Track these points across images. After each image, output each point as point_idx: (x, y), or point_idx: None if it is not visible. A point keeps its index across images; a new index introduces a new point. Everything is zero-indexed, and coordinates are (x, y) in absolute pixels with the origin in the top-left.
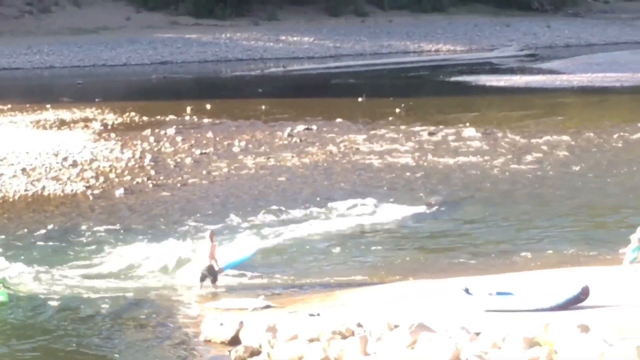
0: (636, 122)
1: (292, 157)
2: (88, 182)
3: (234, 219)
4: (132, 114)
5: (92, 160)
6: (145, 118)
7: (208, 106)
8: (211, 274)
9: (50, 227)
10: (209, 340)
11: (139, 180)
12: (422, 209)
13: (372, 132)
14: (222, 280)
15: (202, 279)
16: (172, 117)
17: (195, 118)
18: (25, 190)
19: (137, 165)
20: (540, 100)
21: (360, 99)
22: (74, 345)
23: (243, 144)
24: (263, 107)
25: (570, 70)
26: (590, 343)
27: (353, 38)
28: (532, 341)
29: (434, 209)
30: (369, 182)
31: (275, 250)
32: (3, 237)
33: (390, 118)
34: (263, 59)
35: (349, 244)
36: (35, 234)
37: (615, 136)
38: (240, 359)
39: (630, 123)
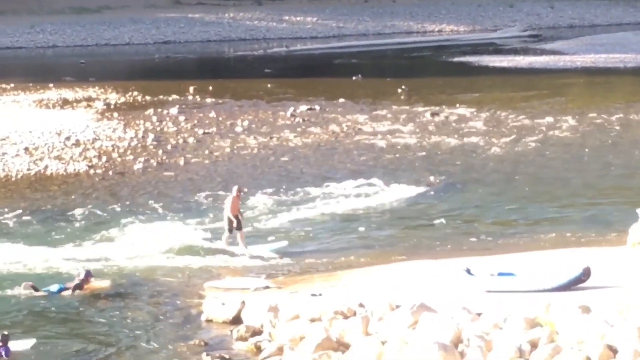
0: (639, 102)
1: (295, 137)
2: (91, 161)
3: None
4: (135, 93)
5: (94, 140)
6: (147, 97)
7: (211, 86)
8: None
9: (53, 206)
10: (211, 320)
11: (142, 159)
12: (424, 189)
13: (375, 112)
14: (224, 260)
15: (230, 230)
16: (174, 96)
17: (198, 98)
18: (28, 169)
19: (139, 145)
20: (543, 81)
21: (354, 78)
22: (76, 325)
23: (246, 123)
24: (266, 86)
25: (574, 51)
26: (592, 324)
27: (356, 18)
28: (533, 322)
29: (436, 189)
30: (371, 163)
31: (277, 230)
32: (6, 216)
33: (393, 98)
34: (266, 38)
35: (351, 224)
36: (38, 214)
37: (618, 117)
38: (242, 338)
39: (633, 104)
